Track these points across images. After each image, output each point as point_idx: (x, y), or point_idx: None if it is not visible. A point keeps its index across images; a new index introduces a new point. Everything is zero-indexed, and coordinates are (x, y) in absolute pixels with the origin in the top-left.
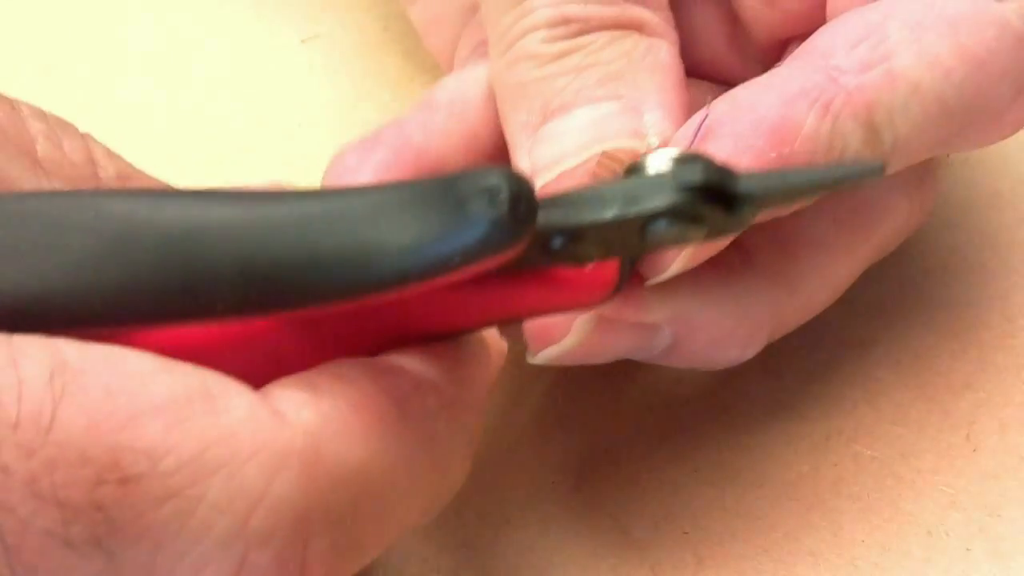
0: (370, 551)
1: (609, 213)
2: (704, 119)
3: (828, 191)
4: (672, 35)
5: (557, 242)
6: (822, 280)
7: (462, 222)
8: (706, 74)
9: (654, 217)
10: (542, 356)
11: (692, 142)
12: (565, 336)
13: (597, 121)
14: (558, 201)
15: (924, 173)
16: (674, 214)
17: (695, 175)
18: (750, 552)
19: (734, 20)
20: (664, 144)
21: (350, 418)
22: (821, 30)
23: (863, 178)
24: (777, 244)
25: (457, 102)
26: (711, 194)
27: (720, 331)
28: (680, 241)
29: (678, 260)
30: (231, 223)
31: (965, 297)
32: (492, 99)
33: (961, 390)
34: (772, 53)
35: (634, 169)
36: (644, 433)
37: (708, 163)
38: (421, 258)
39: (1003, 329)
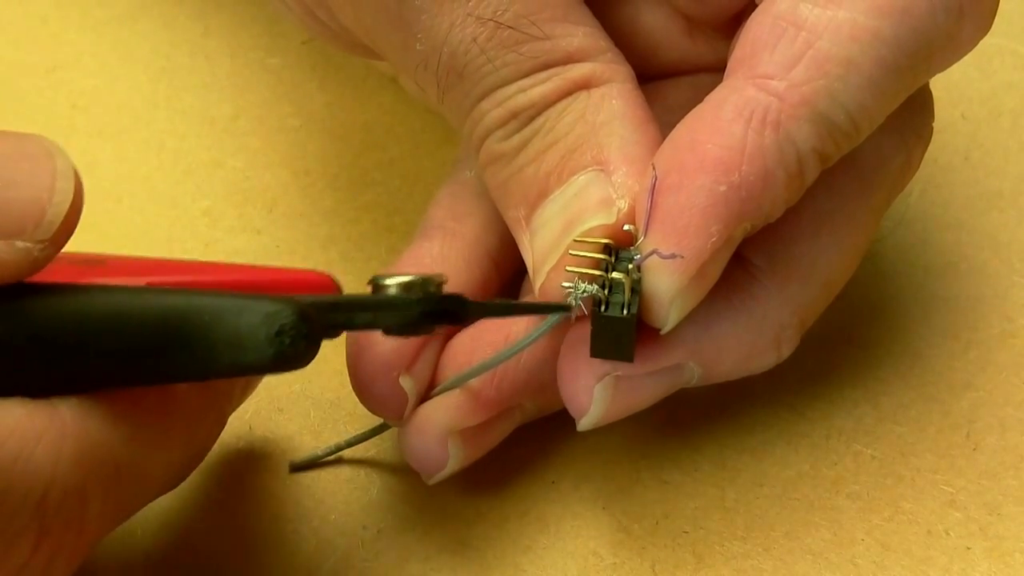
0: (134, 507)
1: (360, 321)
2: (654, 180)
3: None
4: (621, 67)
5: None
6: (838, 254)
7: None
8: (682, 70)
9: (393, 328)
10: (581, 425)
11: (650, 201)
12: (590, 404)
13: (572, 199)
14: (339, 306)
15: (914, 107)
16: (410, 328)
17: (429, 304)
18: (750, 551)
19: (683, 13)
20: (632, 200)
21: (110, 406)
22: (741, 39)
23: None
24: (776, 245)
25: (449, 222)
26: (440, 315)
27: (743, 347)
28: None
29: (671, 314)
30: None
31: (965, 297)
32: (480, 203)
33: (961, 390)
34: (729, 27)
35: (378, 288)
36: (644, 433)
37: (437, 295)
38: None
39: (1003, 329)
